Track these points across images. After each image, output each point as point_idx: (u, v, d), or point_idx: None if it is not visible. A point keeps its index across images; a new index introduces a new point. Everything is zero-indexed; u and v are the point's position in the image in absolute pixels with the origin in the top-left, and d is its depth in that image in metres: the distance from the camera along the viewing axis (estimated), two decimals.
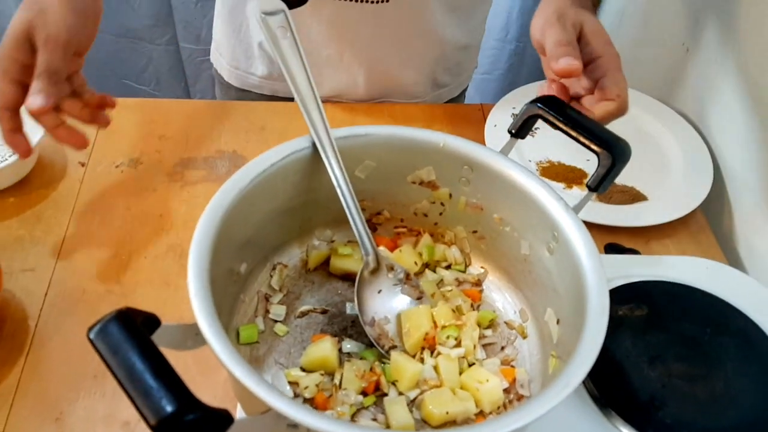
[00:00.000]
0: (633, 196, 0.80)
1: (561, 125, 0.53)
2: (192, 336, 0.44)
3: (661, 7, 1.02)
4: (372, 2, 0.80)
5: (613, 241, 0.74)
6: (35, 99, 0.55)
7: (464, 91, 1.03)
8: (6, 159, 0.73)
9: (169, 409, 0.35)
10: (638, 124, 0.90)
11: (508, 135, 0.56)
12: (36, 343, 0.61)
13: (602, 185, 0.52)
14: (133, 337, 0.38)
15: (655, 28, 1.05)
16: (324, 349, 0.53)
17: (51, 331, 0.63)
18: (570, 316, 0.49)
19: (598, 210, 0.77)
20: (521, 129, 0.55)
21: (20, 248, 0.69)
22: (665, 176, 0.83)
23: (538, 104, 0.54)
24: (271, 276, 0.59)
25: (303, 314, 0.58)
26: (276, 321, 0.57)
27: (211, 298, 0.43)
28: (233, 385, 0.45)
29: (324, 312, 0.58)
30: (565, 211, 0.51)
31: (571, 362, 0.42)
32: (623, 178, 0.82)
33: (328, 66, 0.87)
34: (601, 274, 0.47)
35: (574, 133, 0.53)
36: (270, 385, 0.38)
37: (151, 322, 0.42)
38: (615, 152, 0.52)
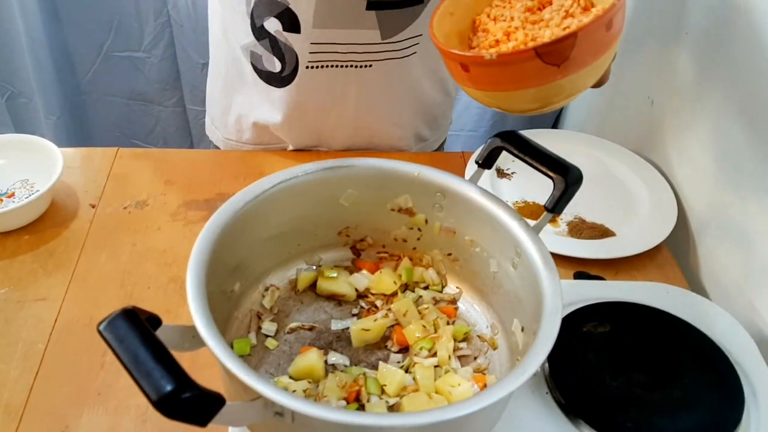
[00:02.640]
0: (602, 232, 0.86)
1: (520, 155, 0.59)
2: (189, 338, 0.50)
3: (629, 65, 1.12)
4: (357, 67, 0.88)
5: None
6: None
7: (442, 144, 1.10)
8: (22, 200, 0.79)
9: (168, 387, 0.40)
10: (607, 168, 0.98)
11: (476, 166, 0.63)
12: (45, 364, 0.66)
13: (558, 206, 0.58)
14: (137, 329, 0.43)
15: (624, 84, 1.14)
16: (311, 359, 0.58)
17: (59, 352, 0.68)
18: (531, 321, 0.54)
19: (569, 244, 0.83)
20: (487, 159, 0.62)
21: (33, 280, 0.75)
22: (632, 214, 0.90)
23: (500, 138, 0.61)
24: (263, 296, 0.64)
25: (292, 330, 0.63)
26: (267, 336, 0.62)
27: (207, 304, 0.49)
28: (226, 380, 0.50)
29: (311, 329, 0.63)
30: (525, 230, 0.57)
31: (528, 353, 0.47)
32: (593, 216, 0.88)
33: (316, 123, 0.94)
34: (555, 280, 0.52)
35: (531, 161, 0.59)
36: (259, 375, 0.43)
37: (153, 321, 0.47)
38: (568, 177, 0.58)
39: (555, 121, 1.40)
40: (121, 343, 0.43)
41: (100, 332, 0.43)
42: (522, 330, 0.57)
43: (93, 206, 0.85)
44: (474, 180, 0.63)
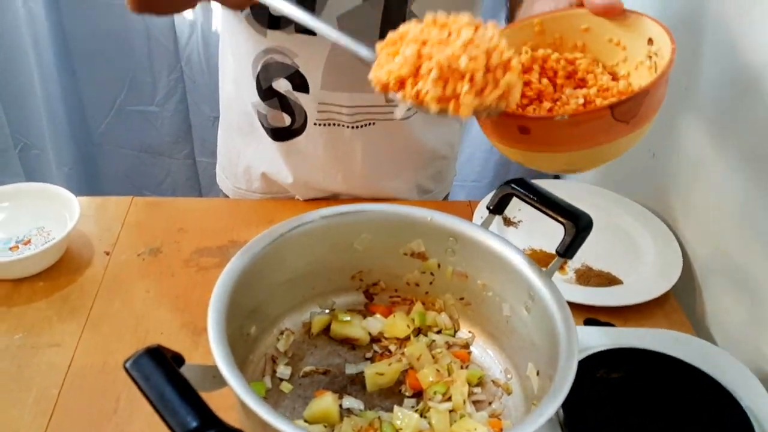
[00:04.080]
0: (609, 280, 0.87)
1: (531, 201, 0.61)
2: (210, 378, 0.50)
3: None
4: (361, 126, 0.91)
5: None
6: None
7: (446, 196, 1.12)
8: (38, 247, 0.81)
9: (193, 424, 0.41)
10: (612, 218, 0.99)
11: (487, 211, 0.65)
12: (59, 409, 0.66)
13: (569, 251, 0.59)
14: (163, 366, 0.44)
15: None
16: (325, 403, 0.59)
17: (73, 398, 0.67)
18: (546, 365, 0.55)
19: (577, 291, 0.84)
20: (498, 206, 0.64)
21: (48, 326, 0.76)
22: (638, 263, 0.91)
23: (512, 185, 0.63)
24: (278, 340, 0.65)
25: (306, 374, 0.63)
26: (282, 380, 0.62)
27: (228, 346, 0.50)
28: (245, 423, 0.50)
29: (326, 372, 0.64)
30: (538, 274, 0.59)
31: (545, 397, 0.48)
32: (599, 264, 0.90)
33: (323, 176, 0.96)
34: (570, 323, 0.53)
35: (542, 208, 0.61)
36: (280, 415, 0.44)
37: (177, 359, 0.48)
38: (579, 223, 0.60)
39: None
40: (147, 381, 0.43)
41: (126, 369, 0.44)
42: (537, 374, 0.57)
43: (107, 253, 0.87)
44: (485, 225, 0.64)
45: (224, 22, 0.91)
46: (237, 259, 0.57)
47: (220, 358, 0.48)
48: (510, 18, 0.75)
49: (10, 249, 0.83)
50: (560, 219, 0.60)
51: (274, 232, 0.60)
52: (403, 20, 0.76)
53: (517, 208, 0.94)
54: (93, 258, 0.86)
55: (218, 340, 0.49)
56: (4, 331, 0.75)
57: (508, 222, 0.97)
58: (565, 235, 0.60)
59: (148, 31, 1.39)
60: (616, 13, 0.55)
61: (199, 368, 0.50)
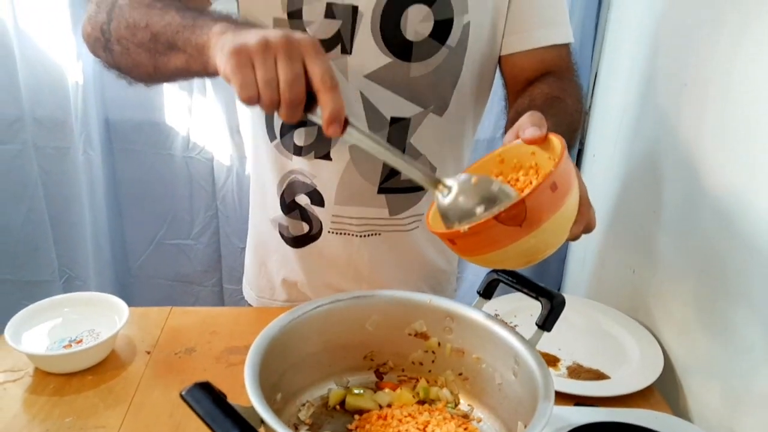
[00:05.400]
0: (598, 375, 0.96)
1: (512, 284, 0.74)
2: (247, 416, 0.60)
3: (612, 241, 1.29)
4: (369, 236, 1.05)
5: None
6: None
7: None
8: (88, 344, 0.92)
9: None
10: (600, 325, 1.10)
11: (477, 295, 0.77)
12: None
13: (547, 323, 0.70)
14: (212, 396, 0.55)
15: (608, 256, 1.30)
16: None
17: None
18: (531, 416, 0.64)
19: (569, 384, 0.93)
20: (486, 290, 0.76)
21: (94, 412, 0.85)
22: (624, 361, 1.00)
23: (496, 272, 0.76)
24: (300, 410, 0.74)
25: None
26: None
27: (260, 391, 0.60)
28: None
29: None
30: (521, 342, 0.70)
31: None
32: (589, 362, 0.99)
33: (335, 279, 1.08)
34: (547, 374, 0.63)
35: (523, 289, 0.73)
36: None
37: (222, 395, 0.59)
38: (553, 300, 0.71)
39: (558, 288, 1.54)
40: (198, 403, 0.54)
41: (182, 397, 0.55)
42: (524, 427, 0.66)
43: (148, 353, 0.98)
44: (477, 307, 0.76)
45: (256, 155, 1.08)
46: (265, 332, 0.69)
47: (255, 399, 0.58)
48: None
49: (64, 347, 0.95)
50: (538, 297, 0.72)
51: (297, 311, 0.73)
52: (403, 151, 0.94)
53: (513, 314, 1.07)
54: (136, 357, 0.97)
55: (253, 385, 0.60)
56: (57, 415, 0.84)
57: None
58: (542, 309, 0.71)
59: (191, 176, 1.60)
60: (541, 141, 0.65)
61: (239, 407, 0.60)
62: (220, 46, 0.59)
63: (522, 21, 0.91)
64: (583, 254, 1.46)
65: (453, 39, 0.89)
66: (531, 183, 0.65)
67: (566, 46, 0.94)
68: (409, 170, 0.64)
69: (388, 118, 0.93)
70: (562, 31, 0.93)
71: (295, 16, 0.86)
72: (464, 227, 0.59)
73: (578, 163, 1.56)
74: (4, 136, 1.51)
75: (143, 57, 0.71)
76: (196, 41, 0.64)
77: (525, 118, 0.67)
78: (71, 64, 1.48)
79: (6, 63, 1.46)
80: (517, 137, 0.67)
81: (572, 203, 0.62)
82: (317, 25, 0.86)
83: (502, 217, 0.58)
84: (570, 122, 0.81)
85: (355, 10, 0.85)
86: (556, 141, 0.64)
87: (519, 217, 0.58)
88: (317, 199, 1.01)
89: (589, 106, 1.54)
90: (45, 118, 1.51)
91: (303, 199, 1.02)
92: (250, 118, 1.10)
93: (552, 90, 0.86)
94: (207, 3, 0.89)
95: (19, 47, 1.45)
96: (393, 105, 0.92)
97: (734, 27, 0.86)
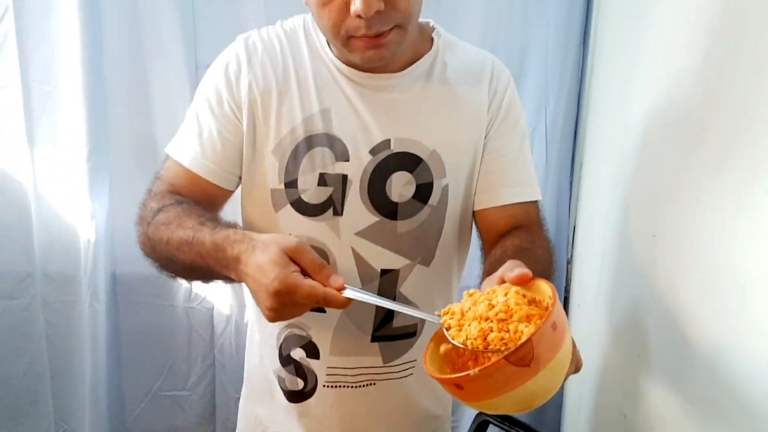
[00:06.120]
0: None
1: (502, 425, 0.77)
2: None
3: (602, 388, 1.32)
4: (363, 386, 1.06)
5: None
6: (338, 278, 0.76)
7: None
8: None
9: None
10: None
11: None
12: None
13: None
14: None
15: (600, 404, 1.32)
16: None
17: None
18: None
19: None
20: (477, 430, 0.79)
21: None
22: None
23: (485, 416, 0.79)
24: None
25: None
26: None
27: None
28: None
29: None
30: None
31: None
32: None
33: None
34: None
35: (513, 428, 0.77)
36: None
37: None
38: None
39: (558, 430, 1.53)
40: None
41: None
42: None
43: None
44: None
45: (256, 311, 1.14)
46: None
47: None
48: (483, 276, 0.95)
49: None
50: None
51: None
52: (394, 299, 1.00)
53: None
54: None
55: None
56: None
57: None
58: None
59: (191, 325, 1.65)
60: (528, 280, 0.70)
61: None
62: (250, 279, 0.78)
63: (492, 182, 1.02)
64: (578, 401, 1.47)
65: (434, 199, 0.99)
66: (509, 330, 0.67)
67: (534, 203, 1.04)
68: (415, 312, 0.73)
69: (379, 270, 1.00)
70: (529, 191, 1.03)
71: (291, 185, 0.97)
72: (474, 370, 0.59)
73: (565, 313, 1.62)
74: (14, 291, 1.57)
75: (181, 273, 0.90)
76: (224, 270, 0.82)
77: (509, 264, 0.74)
78: (85, 223, 1.58)
79: (23, 224, 1.55)
80: (502, 281, 0.73)
81: (569, 342, 0.64)
82: (311, 192, 0.97)
83: (513, 358, 0.59)
84: (541, 270, 0.89)
85: (345, 178, 0.96)
86: (543, 284, 0.69)
87: (528, 356, 0.59)
88: (312, 351, 1.05)
89: (571, 256, 1.64)
90: (55, 274, 1.58)
91: (298, 353, 1.06)
92: None
93: (522, 242, 0.94)
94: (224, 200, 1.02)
95: (36, 209, 1.55)
96: (382, 258, 1.00)
97: (691, 185, 0.95)
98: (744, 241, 0.80)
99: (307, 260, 0.76)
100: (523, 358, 0.59)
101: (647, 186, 1.14)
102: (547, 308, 0.66)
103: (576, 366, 0.71)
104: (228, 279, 0.83)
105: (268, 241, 0.77)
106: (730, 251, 0.83)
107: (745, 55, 0.80)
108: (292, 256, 0.75)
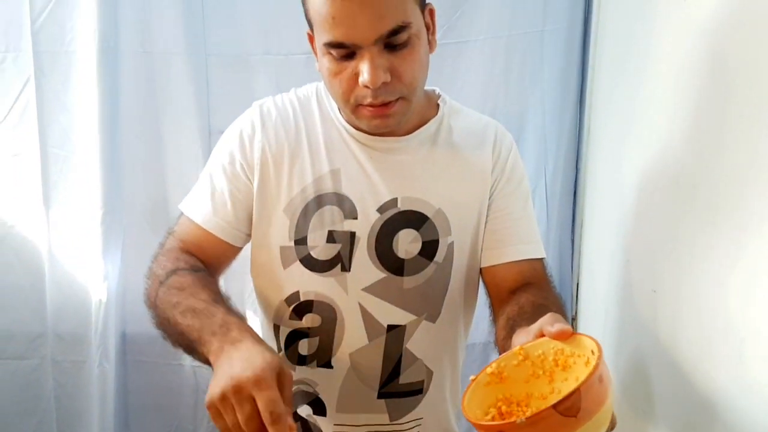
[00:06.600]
0: None
1: None
2: None
3: None
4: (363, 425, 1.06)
5: None
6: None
7: None
8: None
9: None
10: None
11: None
12: None
13: None
14: None
15: None
16: None
17: None
18: None
19: None
20: None
21: None
22: None
23: None
24: None
25: None
26: None
27: None
28: None
29: None
30: None
31: None
32: None
33: None
34: None
35: None
36: None
37: None
38: None
39: None
40: None
41: None
42: None
43: None
44: None
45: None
46: None
47: None
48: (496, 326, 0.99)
49: None
50: None
51: None
52: (400, 354, 1.02)
53: None
54: None
55: None
56: None
57: None
58: None
59: (198, 385, 1.65)
60: (566, 336, 0.72)
61: None
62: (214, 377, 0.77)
63: (499, 239, 1.05)
64: None
65: (440, 256, 1.02)
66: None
67: (540, 260, 1.07)
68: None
69: (385, 326, 1.03)
70: (535, 248, 1.06)
71: (300, 242, 1.01)
72: (521, 418, 0.59)
73: None
74: (24, 352, 1.59)
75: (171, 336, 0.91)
76: (210, 340, 0.82)
77: (549, 318, 0.76)
78: (97, 284, 1.61)
79: (36, 285, 1.59)
80: (540, 335, 0.74)
81: (612, 396, 0.64)
82: (320, 248, 1.00)
83: (561, 407, 0.58)
84: None
85: (353, 235, 1.00)
86: (585, 338, 0.70)
87: (575, 407, 0.59)
88: (319, 408, 1.06)
89: (575, 312, 1.65)
90: (66, 333, 1.61)
91: (305, 410, 1.07)
92: (258, 328, 1.19)
93: (536, 298, 0.96)
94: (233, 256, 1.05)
95: (50, 270, 1.60)
96: (389, 314, 1.02)
97: (687, 241, 0.98)
98: (739, 294, 0.83)
99: (263, 402, 0.72)
100: (570, 408, 0.59)
101: (645, 243, 1.17)
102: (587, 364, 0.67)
103: (612, 424, 0.70)
104: (201, 355, 0.84)
105: (274, 353, 0.78)
106: (727, 304, 0.86)
107: (732, 118, 0.85)
108: (281, 379, 0.76)
